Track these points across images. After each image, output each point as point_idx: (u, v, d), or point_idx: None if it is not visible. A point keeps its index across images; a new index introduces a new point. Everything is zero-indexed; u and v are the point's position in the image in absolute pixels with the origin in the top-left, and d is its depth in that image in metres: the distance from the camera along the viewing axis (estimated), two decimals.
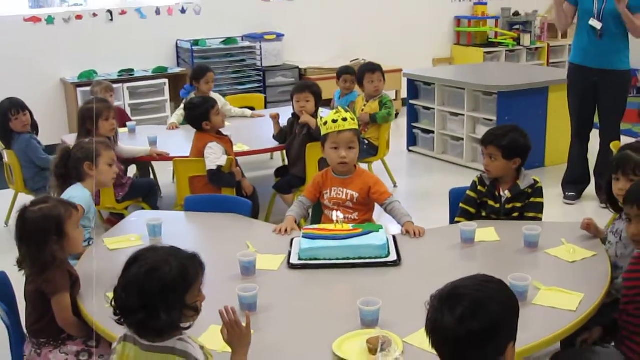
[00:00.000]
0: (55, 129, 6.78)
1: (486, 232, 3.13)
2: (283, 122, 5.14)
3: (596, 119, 5.44)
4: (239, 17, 8.21)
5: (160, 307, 1.91)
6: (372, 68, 5.87)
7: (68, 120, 7.40)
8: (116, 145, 4.86)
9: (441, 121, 6.91)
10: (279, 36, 8.30)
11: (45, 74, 7.32)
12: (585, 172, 5.59)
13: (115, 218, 4.83)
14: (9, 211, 5.29)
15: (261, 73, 8.15)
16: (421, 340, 2.04)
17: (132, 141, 5.33)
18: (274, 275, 2.82)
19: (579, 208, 5.47)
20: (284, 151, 5.34)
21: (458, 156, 6.73)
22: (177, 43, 7.95)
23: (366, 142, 5.61)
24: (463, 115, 6.62)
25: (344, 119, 3.41)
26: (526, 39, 9.72)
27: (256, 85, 8.09)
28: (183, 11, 7.98)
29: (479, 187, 3.43)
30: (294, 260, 2.90)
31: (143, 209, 4.79)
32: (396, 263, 2.86)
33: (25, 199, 4.54)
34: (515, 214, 3.34)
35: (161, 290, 1.91)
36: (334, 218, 3.12)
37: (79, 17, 7.42)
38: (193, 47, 7.70)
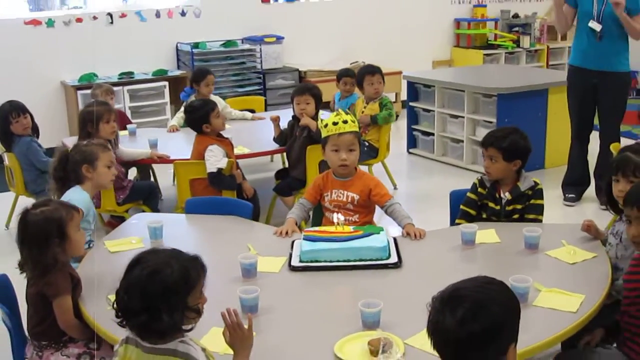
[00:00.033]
0: (55, 132, 6.79)
1: (487, 233, 3.13)
2: (283, 124, 5.15)
3: (596, 121, 5.44)
4: (239, 20, 8.22)
5: (162, 309, 1.91)
6: (372, 70, 5.88)
7: (68, 123, 7.40)
8: (117, 148, 4.87)
9: (441, 123, 6.92)
10: (279, 39, 8.31)
11: (46, 76, 7.32)
12: (585, 174, 5.60)
13: (116, 221, 4.84)
14: (10, 214, 5.30)
15: (261, 75, 8.16)
16: (422, 341, 2.05)
17: (133, 144, 5.33)
18: (275, 277, 2.82)
19: (579, 210, 5.48)
20: (284, 153, 5.35)
21: (458, 158, 6.74)
22: (177, 46, 7.96)
23: (366, 144, 5.61)
24: (463, 117, 6.63)
25: (345, 122, 3.41)
26: (526, 41, 9.73)
27: (256, 87, 8.09)
28: (183, 14, 7.99)
29: (479, 189, 3.44)
30: (295, 262, 2.90)
31: (144, 211, 4.79)
32: (397, 265, 2.86)
33: (26, 201, 4.56)
34: (516, 216, 3.34)
35: (163, 292, 1.92)
36: (335, 220, 3.12)
37: (79, 20, 7.43)
38: (193, 50, 7.70)
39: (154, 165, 5.73)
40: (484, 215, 3.40)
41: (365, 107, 5.83)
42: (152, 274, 1.94)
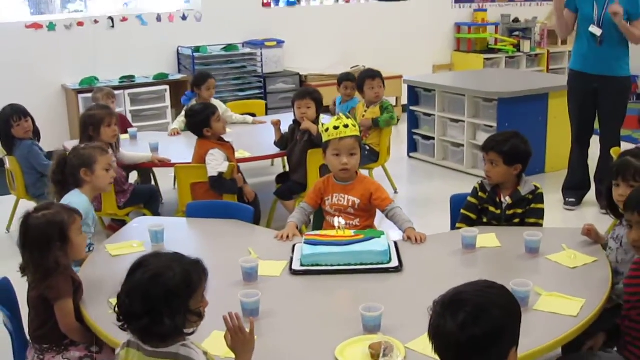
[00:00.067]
0: (56, 135, 6.79)
1: (487, 238, 3.13)
2: (284, 128, 5.16)
3: (596, 125, 5.45)
4: (240, 24, 8.23)
5: (164, 312, 1.91)
6: (372, 74, 5.89)
7: (69, 126, 7.41)
8: (118, 152, 4.88)
9: (441, 127, 6.92)
10: (280, 43, 8.33)
11: (47, 80, 7.34)
12: (586, 178, 5.60)
13: (117, 224, 4.84)
14: (11, 217, 5.30)
15: (262, 79, 8.17)
16: (423, 345, 2.05)
17: (134, 147, 5.34)
18: (276, 281, 2.83)
19: (579, 214, 5.48)
20: (285, 157, 5.36)
21: (458, 162, 6.74)
22: (178, 49, 7.98)
23: (367, 148, 5.62)
24: (463, 121, 6.63)
25: (346, 126, 3.42)
26: (526, 46, 9.75)
27: (257, 91, 8.11)
28: (184, 18, 8.01)
29: (479, 193, 3.44)
30: (296, 266, 2.91)
31: (145, 215, 4.79)
32: (398, 269, 2.86)
33: (27, 205, 4.56)
34: (516, 220, 3.35)
35: (165, 295, 1.92)
36: (336, 224, 3.13)
37: (80, 23, 7.45)
38: (194, 54, 7.72)
39: (155, 169, 5.73)
40: (485, 220, 3.41)
41: (365, 111, 5.84)
42: (154, 277, 1.94)
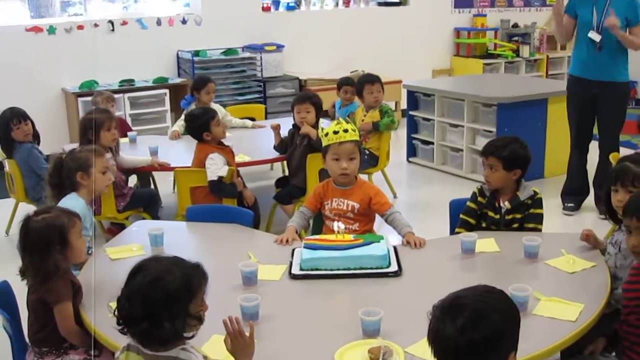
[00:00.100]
0: (56, 139, 6.79)
1: (486, 242, 3.14)
2: (284, 132, 5.16)
3: (595, 131, 5.46)
4: (240, 28, 8.24)
5: (164, 316, 1.92)
6: (372, 79, 5.90)
7: (69, 129, 7.42)
8: (117, 156, 4.88)
9: (441, 132, 6.93)
10: (279, 47, 8.34)
11: (47, 83, 7.34)
12: (585, 183, 5.61)
13: (116, 228, 4.84)
14: (10, 220, 5.30)
15: (261, 84, 8.18)
16: (422, 350, 2.06)
17: (133, 151, 5.34)
18: (276, 285, 2.83)
19: (578, 219, 5.49)
20: (285, 162, 5.36)
21: (457, 167, 6.75)
22: (177, 53, 7.99)
23: (367, 152, 5.62)
24: (463, 126, 6.64)
25: (345, 130, 3.43)
26: (525, 51, 9.77)
27: (256, 95, 8.11)
28: (184, 22, 8.02)
29: (479, 198, 3.45)
30: (296, 270, 2.91)
31: (144, 219, 4.80)
32: (397, 273, 2.87)
33: (26, 208, 4.56)
34: (515, 225, 3.35)
35: (165, 299, 1.93)
36: (335, 229, 3.13)
37: (80, 27, 7.45)
38: (194, 58, 7.73)
39: (155, 173, 5.74)
40: (484, 225, 3.41)
41: (365, 115, 5.85)
42: (154, 281, 1.95)
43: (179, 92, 7.47)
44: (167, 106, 7.59)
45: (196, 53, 7.80)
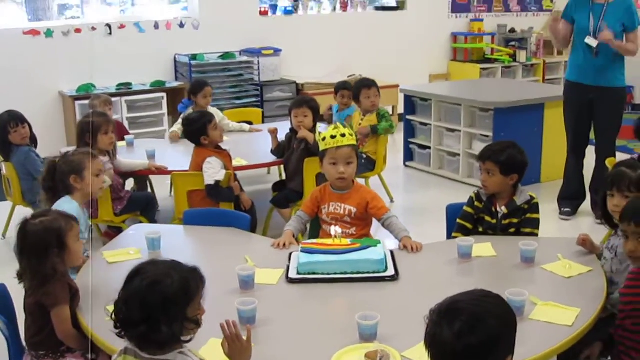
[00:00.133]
0: (53, 142, 6.80)
1: (483, 247, 3.14)
2: (281, 137, 5.17)
3: (592, 135, 5.47)
4: (237, 32, 8.26)
5: (162, 320, 1.92)
6: (368, 84, 5.91)
7: (66, 133, 7.42)
8: (115, 159, 4.89)
9: (438, 137, 6.94)
10: (277, 51, 8.35)
11: (44, 87, 7.35)
12: (581, 188, 5.62)
13: (113, 231, 4.85)
14: (7, 223, 5.29)
15: (259, 88, 8.19)
16: (419, 354, 2.06)
17: (130, 155, 5.34)
18: (273, 289, 2.83)
19: (574, 224, 5.50)
20: (282, 166, 5.36)
21: (454, 172, 6.76)
22: (175, 57, 8.00)
23: (364, 156, 5.63)
24: (459, 131, 6.65)
25: (342, 135, 3.44)
26: (522, 56, 9.80)
27: (254, 99, 8.13)
28: (181, 25, 8.03)
29: (475, 203, 3.45)
30: (293, 274, 2.91)
31: (141, 222, 4.79)
32: (394, 278, 2.87)
33: (23, 211, 4.56)
34: (512, 230, 3.36)
35: (163, 303, 1.93)
36: (333, 233, 3.13)
37: (77, 30, 7.47)
38: (191, 62, 7.74)
39: (152, 176, 5.73)
40: (480, 229, 3.42)
41: (362, 119, 5.86)
42: (152, 284, 1.95)
43: (176, 96, 7.48)
44: (165, 110, 7.61)
45: (194, 57, 7.81)
